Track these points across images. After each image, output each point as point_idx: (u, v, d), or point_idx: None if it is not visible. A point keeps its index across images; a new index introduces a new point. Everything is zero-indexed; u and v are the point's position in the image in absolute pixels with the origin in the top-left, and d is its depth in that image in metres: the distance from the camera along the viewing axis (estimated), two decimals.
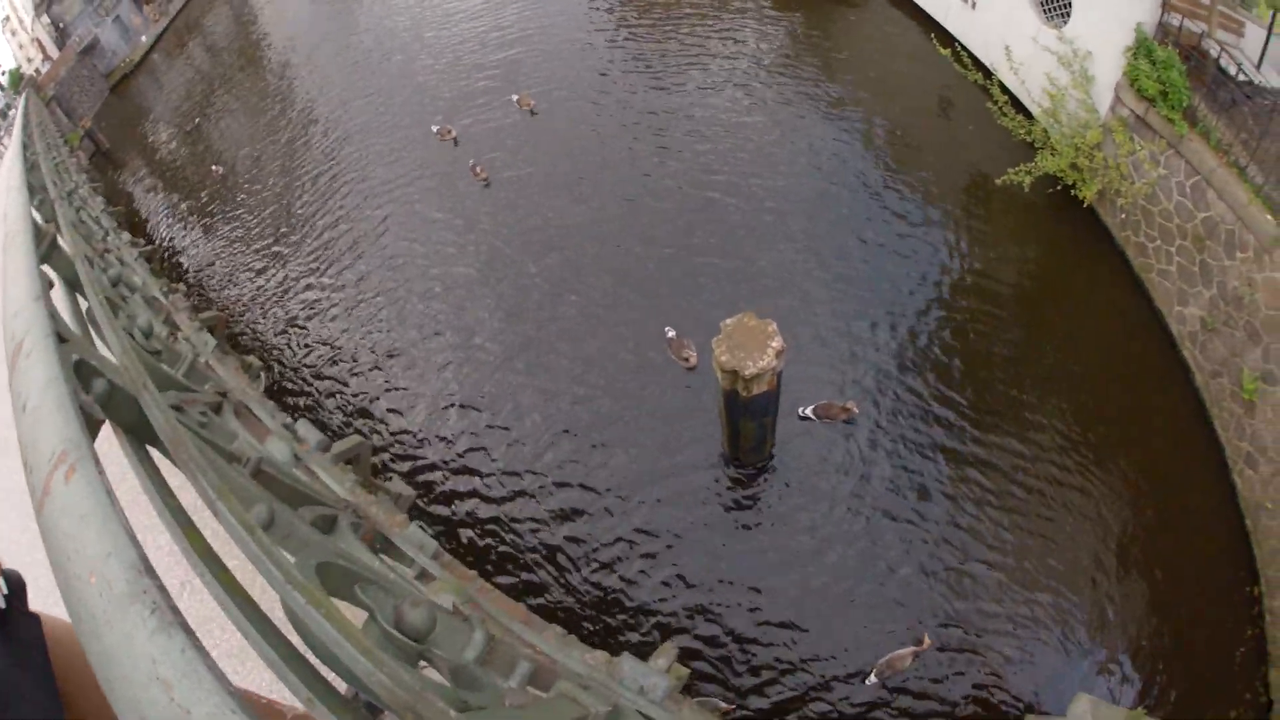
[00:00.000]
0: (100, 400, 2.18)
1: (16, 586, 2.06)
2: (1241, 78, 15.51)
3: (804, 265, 19.22)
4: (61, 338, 2.03)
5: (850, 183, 21.16)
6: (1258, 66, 15.85)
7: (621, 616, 14.17)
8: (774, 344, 12.14)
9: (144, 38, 47.98)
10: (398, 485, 11.64)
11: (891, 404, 16.22)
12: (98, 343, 3.12)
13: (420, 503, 16.34)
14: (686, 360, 17.31)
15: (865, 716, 12.60)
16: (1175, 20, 16.32)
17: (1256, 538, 13.28)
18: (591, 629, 14.00)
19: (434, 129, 27.04)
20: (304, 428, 8.56)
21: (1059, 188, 18.63)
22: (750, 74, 25.82)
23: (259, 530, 2.26)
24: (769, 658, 13.36)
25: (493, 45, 31.48)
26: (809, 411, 15.93)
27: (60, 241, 6.41)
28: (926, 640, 12.75)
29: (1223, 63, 15.78)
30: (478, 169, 24.05)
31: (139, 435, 2.42)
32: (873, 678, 12.62)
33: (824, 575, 14.09)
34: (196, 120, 38.03)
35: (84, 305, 4.50)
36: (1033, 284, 18.46)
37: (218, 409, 5.57)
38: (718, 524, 15.08)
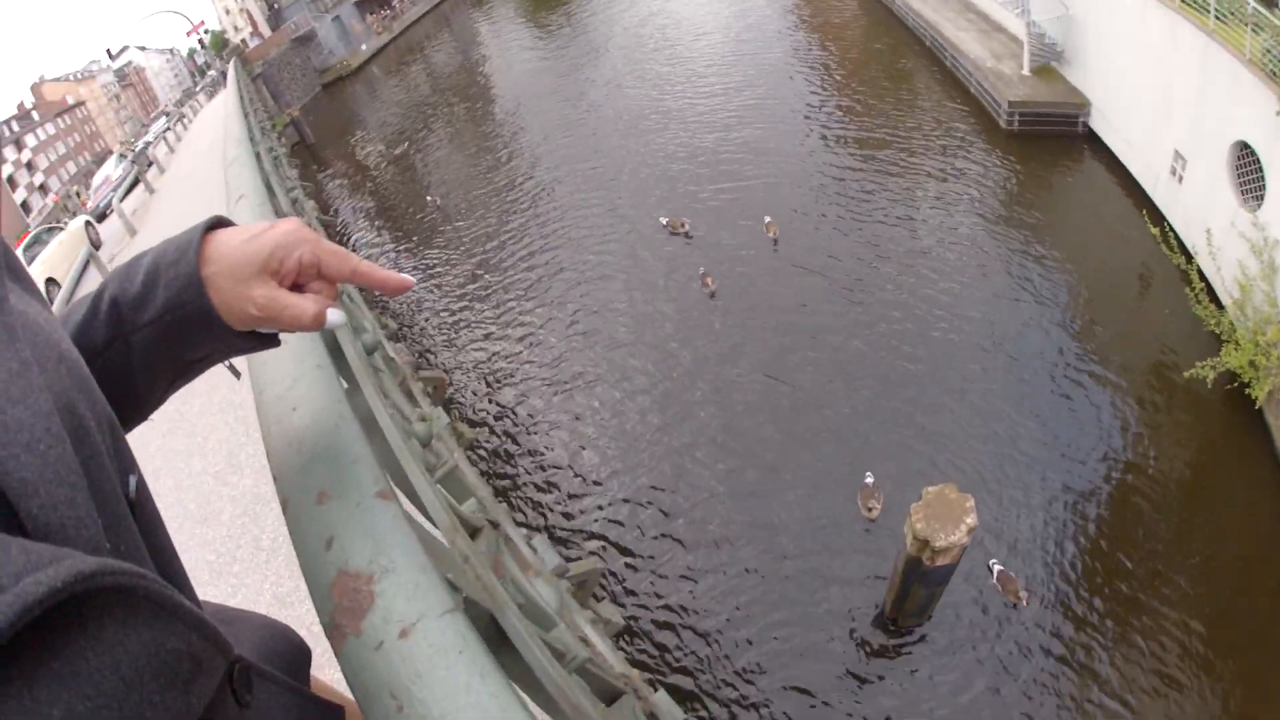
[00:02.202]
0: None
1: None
2: None
3: (983, 428, 19.88)
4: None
5: (1039, 355, 21.75)
6: None
7: None
8: (969, 520, 12.75)
9: (364, 46, 52.48)
10: (608, 609, 10.73)
11: (1041, 584, 16.52)
12: (425, 492, 2.10)
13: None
14: (870, 511, 17.91)
15: None
16: None
17: None
18: None
19: (663, 220, 28.22)
20: (542, 545, 7.32)
21: (1235, 384, 18.56)
22: (962, 217, 27.39)
23: None
24: None
25: (732, 159, 33.34)
26: (996, 569, 16.33)
27: None
28: None
29: None
30: (708, 279, 24.82)
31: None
32: None
33: None
34: (406, 144, 40.29)
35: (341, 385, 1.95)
36: (1192, 482, 18.30)
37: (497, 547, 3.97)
38: (860, 674, 15.68)
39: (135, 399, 1.34)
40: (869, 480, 18.12)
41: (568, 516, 19.78)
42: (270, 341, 1.41)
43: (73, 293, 23.51)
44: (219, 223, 1.31)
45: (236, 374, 2.10)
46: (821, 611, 16.57)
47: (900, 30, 45.03)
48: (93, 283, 22.71)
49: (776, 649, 16.09)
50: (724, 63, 43.12)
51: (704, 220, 28.49)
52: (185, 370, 1.40)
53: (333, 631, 1.10)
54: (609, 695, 3.21)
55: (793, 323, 23.57)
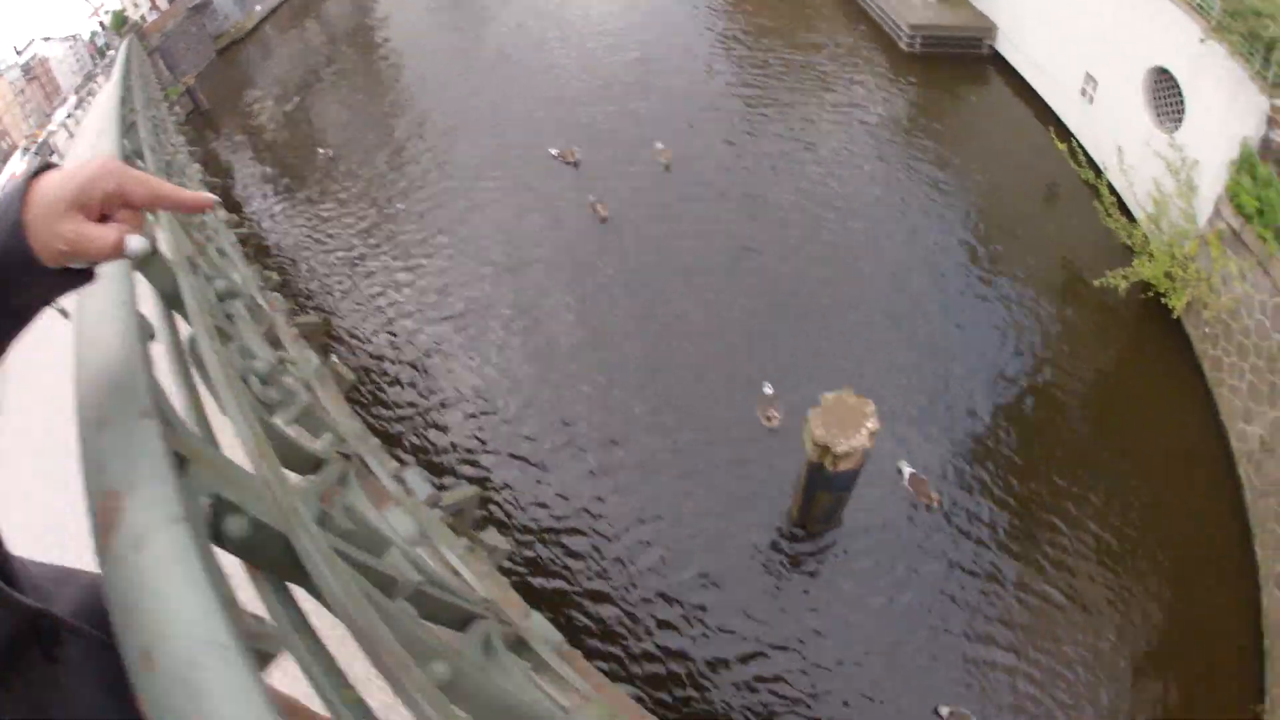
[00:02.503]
0: (237, 543, 1.52)
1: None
2: None
3: (890, 335, 20.40)
4: (180, 457, 1.33)
5: (949, 260, 22.45)
6: None
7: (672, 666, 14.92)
8: (869, 424, 12.91)
9: (258, 7, 50.69)
10: (493, 537, 11.20)
11: (955, 485, 17.15)
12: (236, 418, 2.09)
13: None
14: (770, 420, 18.20)
15: None
16: (1279, 137, 17.38)
17: (1271, 660, 14.00)
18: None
19: (553, 152, 27.90)
20: (414, 478, 7.59)
21: (1150, 294, 19.61)
22: (862, 137, 27.58)
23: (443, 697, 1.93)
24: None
25: (625, 93, 32.93)
26: (907, 471, 16.79)
27: (159, 239, 4.51)
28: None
29: None
30: (599, 205, 24.65)
31: (280, 574, 1.70)
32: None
33: (865, 646, 14.93)
34: (299, 99, 39.20)
35: (184, 332, 2.79)
36: (1107, 385, 19.40)
37: (344, 478, 4.08)
38: (771, 586, 15.85)
39: None
40: (767, 391, 18.46)
41: (464, 442, 19.50)
42: (85, 277, 1.47)
43: None
44: (45, 167, 1.37)
45: (65, 315, 2.15)
46: (728, 523, 16.74)
47: None
48: None
49: (685, 561, 16.16)
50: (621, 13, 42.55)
51: (596, 150, 28.32)
52: (16, 317, 1.48)
53: (97, 551, 1.12)
54: (459, 620, 3.23)
55: (688, 244, 23.71)
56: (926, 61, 32.00)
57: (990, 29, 31.15)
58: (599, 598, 15.88)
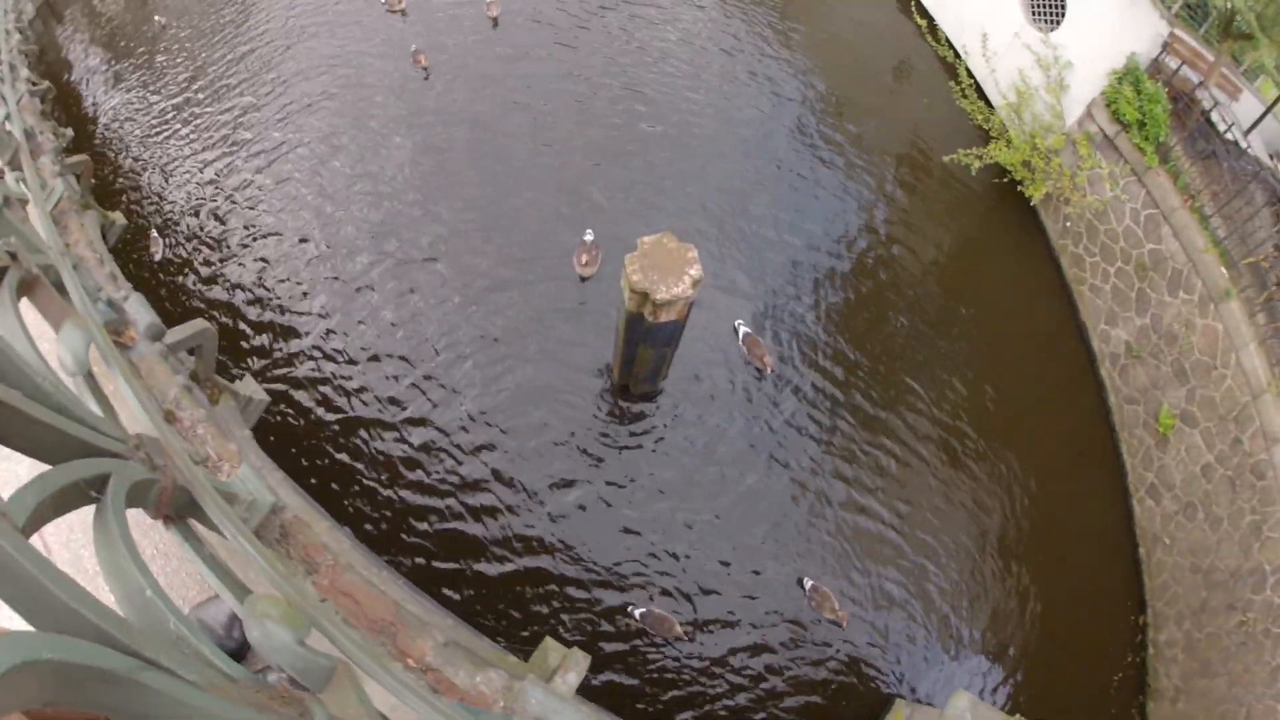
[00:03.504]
0: None
1: None
2: (1229, 136, 16.91)
3: (729, 197, 19.48)
4: None
5: (790, 126, 21.55)
6: (1245, 133, 17.35)
7: (493, 549, 13.99)
8: (692, 271, 11.68)
9: None
10: (249, 385, 10.14)
11: (794, 353, 16.70)
12: None
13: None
14: (585, 267, 17.12)
15: (717, 672, 13.30)
16: (1172, 62, 17.57)
17: (1149, 568, 15.00)
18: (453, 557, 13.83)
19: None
20: (135, 305, 7.10)
21: (1004, 180, 19.83)
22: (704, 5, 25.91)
23: None
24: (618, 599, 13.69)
25: None
26: (742, 331, 16.24)
27: None
28: (842, 614, 13.65)
29: (1212, 117, 17.14)
30: (420, 55, 22.83)
31: None
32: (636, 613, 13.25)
33: (695, 525, 14.45)
34: None
35: None
36: (957, 264, 19.49)
37: None
38: (586, 461, 14.98)
39: None
40: (588, 237, 17.32)
41: (263, 307, 17.47)
42: None
43: None
44: None
45: None
46: (545, 382, 15.78)
47: None
48: None
49: (502, 429, 15.13)
50: None
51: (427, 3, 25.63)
52: None
53: None
54: (70, 451, 2.68)
55: (513, 97, 22.03)
56: None
57: None
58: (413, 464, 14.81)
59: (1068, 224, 18.80)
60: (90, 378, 4.27)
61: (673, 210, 18.90)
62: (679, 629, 13.14)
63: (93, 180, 18.96)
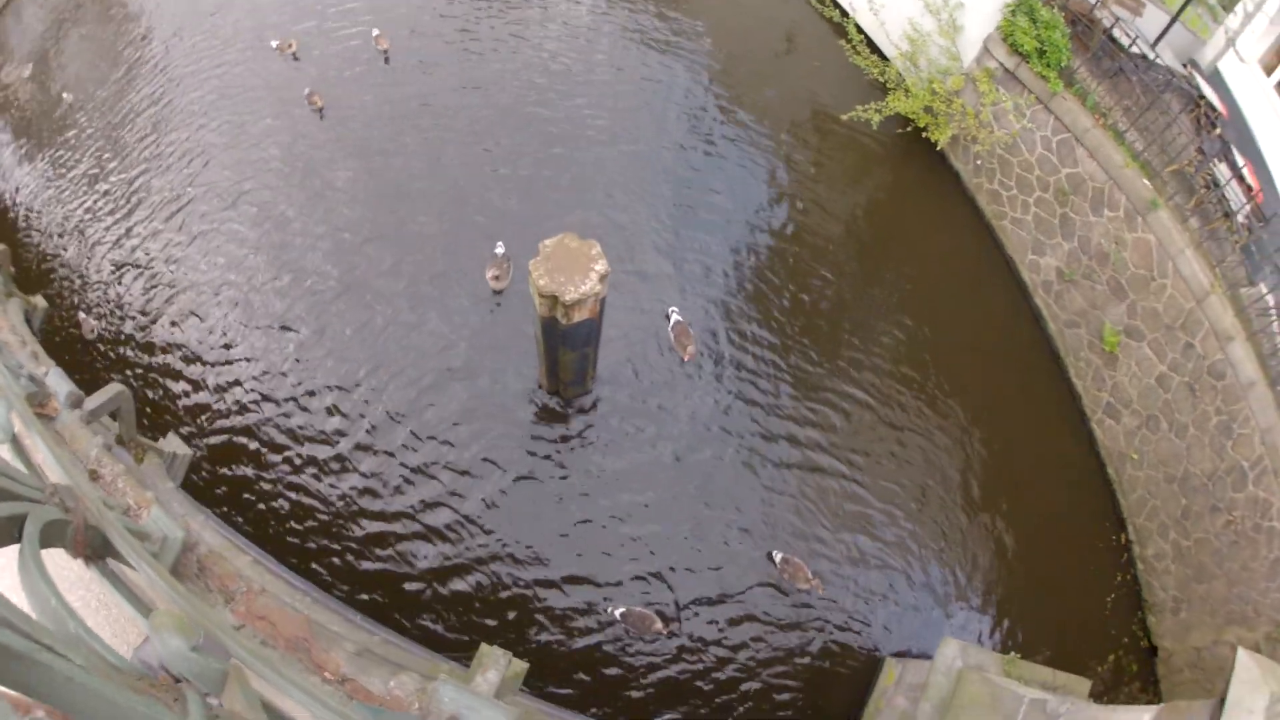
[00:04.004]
0: None
1: None
2: (1135, 50, 17.02)
3: (629, 186, 19.20)
4: None
5: (682, 106, 21.29)
6: (1153, 45, 17.50)
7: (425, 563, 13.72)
8: (598, 267, 11.65)
9: None
10: (172, 442, 10.33)
11: (727, 328, 16.53)
12: None
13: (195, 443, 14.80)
14: (497, 280, 16.73)
15: (703, 649, 13.25)
16: None
17: (1121, 487, 15.11)
18: (380, 569, 13.57)
19: (273, 44, 24.59)
20: (55, 379, 7.37)
21: (909, 129, 19.75)
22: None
23: None
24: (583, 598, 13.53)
25: None
26: (675, 318, 15.94)
27: None
28: (816, 582, 13.45)
29: (1115, 34, 17.23)
30: (315, 96, 22.27)
31: None
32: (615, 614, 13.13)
33: (654, 508, 14.35)
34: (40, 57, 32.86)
35: None
36: (875, 219, 19.49)
37: None
38: (532, 466, 14.69)
39: None
40: (499, 250, 16.99)
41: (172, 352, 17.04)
42: None
43: None
44: None
45: None
46: (471, 398, 15.44)
47: None
48: None
49: (433, 449, 14.80)
50: None
51: (314, 41, 24.68)
52: None
53: None
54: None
55: (409, 122, 21.65)
56: None
57: None
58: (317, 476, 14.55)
59: (979, 162, 18.85)
60: (15, 443, 4.93)
61: (580, 206, 18.55)
62: (659, 625, 12.94)
63: (12, 269, 17.90)
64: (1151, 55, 17.20)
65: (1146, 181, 14.72)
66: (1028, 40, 16.72)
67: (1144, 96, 15.83)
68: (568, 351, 13.23)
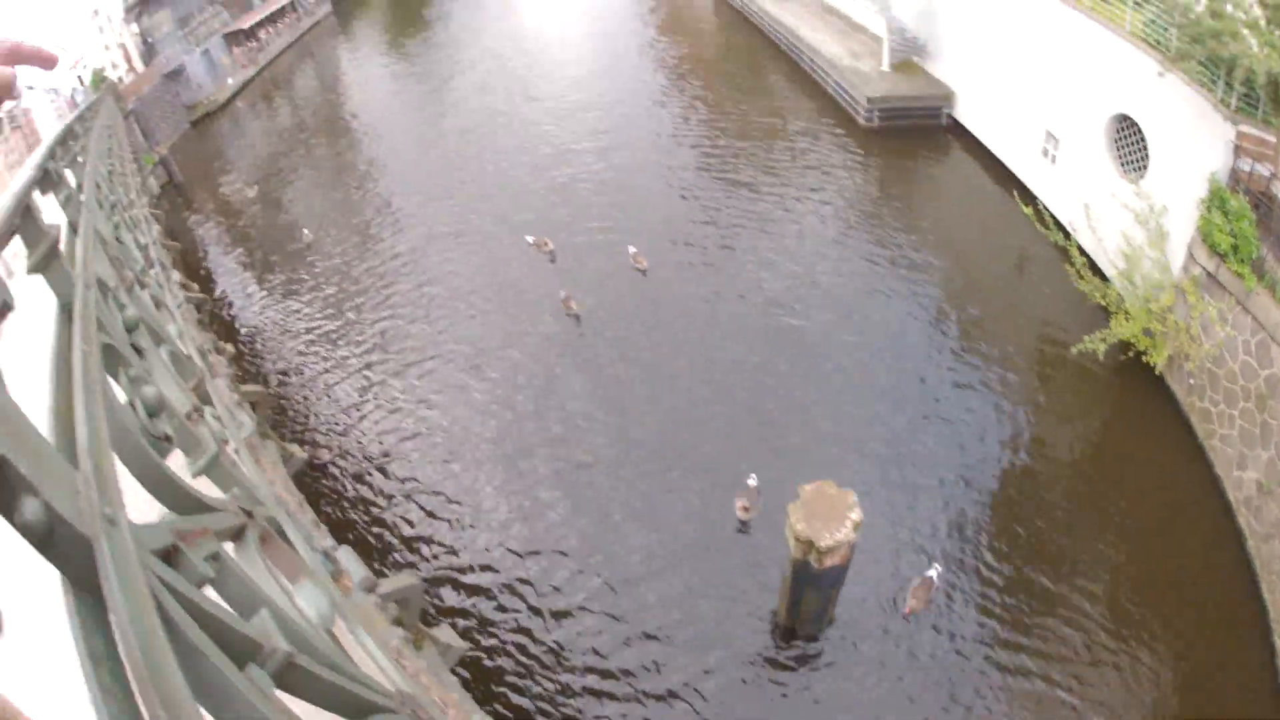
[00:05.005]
0: (31, 531, 1.35)
1: None
2: None
3: (867, 426, 19.42)
4: None
5: (921, 344, 21.81)
6: None
7: None
8: (853, 515, 12.16)
9: (230, 80, 50.55)
10: (446, 634, 10.87)
11: (951, 577, 16.12)
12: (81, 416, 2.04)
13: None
14: (746, 512, 17.03)
15: None
16: (1246, 165, 17.31)
17: None
18: None
19: (529, 240, 27.23)
20: (346, 557, 7.34)
21: (1130, 354, 19.15)
22: (828, 219, 27.42)
23: None
24: None
25: (595, 177, 32.69)
26: (935, 573, 15.57)
27: (75, 252, 4.62)
28: None
29: None
30: (570, 301, 23.78)
31: (80, 586, 1.53)
32: None
33: None
34: (270, 177, 38.62)
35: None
36: (1096, 454, 18.84)
37: (238, 534, 3.86)
38: (762, 697, 14.75)
39: None
40: (751, 482, 17.15)
41: (421, 536, 18.18)
42: None
43: None
44: None
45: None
46: (712, 629, 15.56)
47: (759, 39, 46.01)
48: None
49: (668, 676, 14.85)
50: (583, 77, 43.71)
51: (568, 241, 27.66)
52: None
53: None
54: (355, 709, 3.03)
55: (661, 340, 22.90)
56: (886, 135, 32.23)
57: (948, 96, 31.56)
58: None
59: (1191, 381, 18.20)
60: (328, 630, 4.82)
61: (823, 442, 19.28)
62: None
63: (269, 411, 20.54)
64: None
65: None
66: (1223, 237, 16.54)
67: None
68: (813, 592, 13.73)
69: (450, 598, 16.45)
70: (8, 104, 1.73)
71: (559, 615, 16.02)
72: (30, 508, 1.36)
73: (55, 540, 1.44)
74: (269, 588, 3.56)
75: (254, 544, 3.89)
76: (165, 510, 3.17)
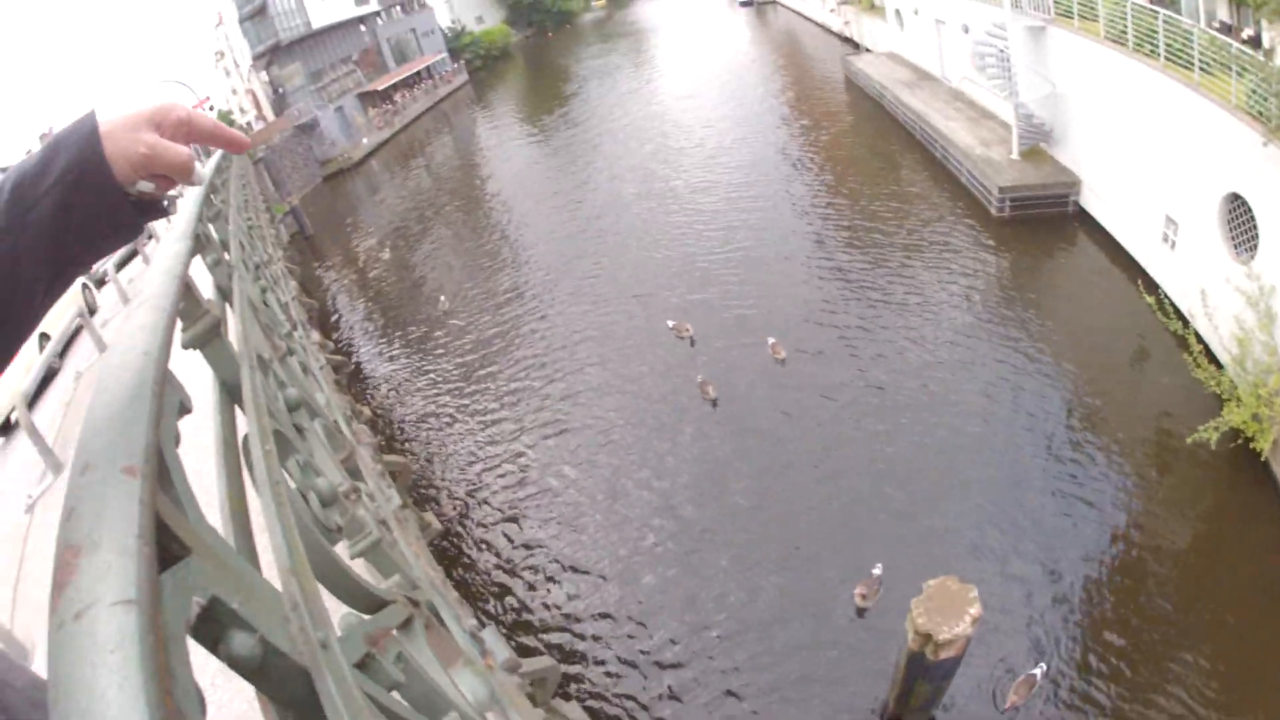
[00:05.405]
0: (244, 666, 1.34)
1: None
2: None
3: (988, 518, 18.98)
4: (174, 538, 1.23)
5: (1042, 436, 21.13)
6: None
7: None
8: (973, 610, 12.20)
9: (365, 140, 53.04)
10: (574, 710, 11.05)
11: (1055, 673, 15.40)
12: (276, 529, 2.10)
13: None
14: (863, 599, 16.95)
15: None
16: None
17: None
18: None
19: (670, 324, 27.88)
20: (491, 637, 7.24)
21: (1238, 441, 18.10)
22: (960, 309, 27.10)
23: None
24: None
25: (730, 263, 33.19)
26: (1039, 671, 15.09)
27: (229, 323, 4.39)
28: None
29: None
30: (707, 386, 24.18)
31: (298, 714, 1.54)
32: None
33: None
34: (399, 242, 40.07)
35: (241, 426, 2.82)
36: (1204, 547, 17.67)
37: (405, 623, 3.75)
38: None
39: (14, 307, 1.40)
40: (876, 571, 17.06)
41: (549, 617, 18.50)
42: (156, 212, 1.55)
43: (62, 349, 23.14)
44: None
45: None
46: (819, 713, 15.40)
47: (889, 123, 46.14)
48: (85, 348, 22.42)
49: None
50: (719, 164, 44.20)
51: (706, 328, 28.03)
52: (66, 266, 1.47)
53: (49, 607, 0.98)
54: None
55: (800, 425, 22.86)
56: (1017, 224, 31.60)
57: (1075, 184, 30.72)
58: None
59: None
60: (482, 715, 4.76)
61: (945, 533, 18.89)
62: None
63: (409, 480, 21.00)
64: None
65: None
66: None
67: None
68: (924, 684, 13.65)
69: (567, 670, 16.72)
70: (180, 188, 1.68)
71: (669, 675, 16.42)
72: (240, 642, 1.33)
73: (268, 671, 1.43)
74: (442, 682, 3.58)
75: (421, 634, 3.89)
76: (345, 608, 3.27)
